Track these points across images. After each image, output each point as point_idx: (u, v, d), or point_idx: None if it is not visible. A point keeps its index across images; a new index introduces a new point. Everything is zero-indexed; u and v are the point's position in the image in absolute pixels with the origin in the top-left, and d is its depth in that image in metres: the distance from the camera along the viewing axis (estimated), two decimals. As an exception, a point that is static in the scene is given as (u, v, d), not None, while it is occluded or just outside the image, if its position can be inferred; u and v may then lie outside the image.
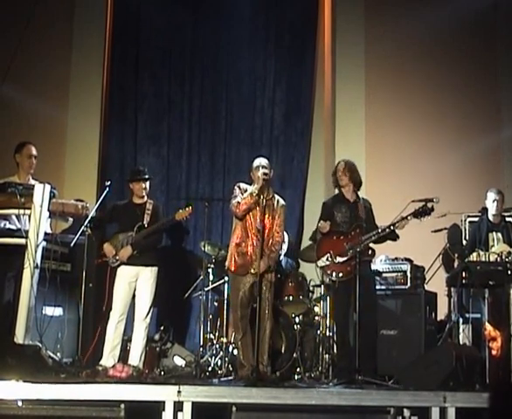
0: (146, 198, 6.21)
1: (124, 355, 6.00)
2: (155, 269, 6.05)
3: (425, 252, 6.67)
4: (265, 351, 5.38)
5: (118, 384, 4.54)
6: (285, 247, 6.90)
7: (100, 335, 5.90)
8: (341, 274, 5.60)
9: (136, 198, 6.19)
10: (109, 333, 5.87)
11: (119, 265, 5.99)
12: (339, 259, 5.59)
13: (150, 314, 6.04)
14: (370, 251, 5.67)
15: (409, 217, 5.56)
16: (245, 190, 5.52)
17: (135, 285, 6.00)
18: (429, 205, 5.53)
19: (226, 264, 5.66)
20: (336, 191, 6.03)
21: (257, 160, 5.63)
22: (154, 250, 6.14)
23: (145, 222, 6.04)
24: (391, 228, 5.59)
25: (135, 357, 5.92)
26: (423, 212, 5.53)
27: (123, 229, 6.08)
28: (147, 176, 6.18)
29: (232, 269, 5.57)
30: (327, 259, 5.61)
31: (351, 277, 5.50)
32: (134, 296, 6.02)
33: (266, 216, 5.49)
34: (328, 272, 5.66)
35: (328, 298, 6.32)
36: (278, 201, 5.65)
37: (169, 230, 6.44)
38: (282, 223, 5.65)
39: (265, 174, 5.42)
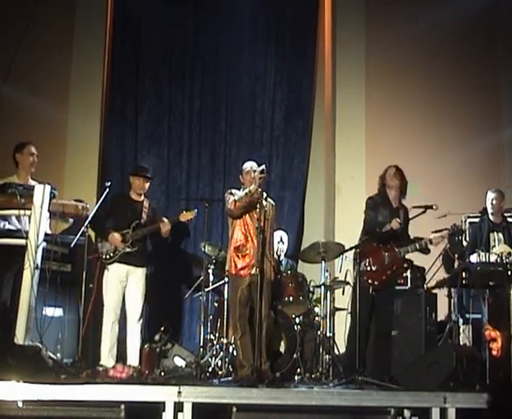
0: (143, 197, 6.21)
1: (121, 356, 5.99)
2: (145, 270, 6.08)
3: (425, 252, 6.66)
4: (262, 350, 5.35)
5: (118, 385, 4.55)
6: (285, 247, 6.90)
7: (87, 332, 5.84)
8: (376, 282, 5.59)
9: (134, 194, 6.17)
10: (106, 333, 5.87)
11: (112, 262, 5.97)
12: (374, 268, 5.58)
13: (144, 314, 6.04)
14: (405, 264, 5.66)
15: (444, 234, 5.62)
16: None
17: (126, 284, 5.99)
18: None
19: (226, 267, 5.68)
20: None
21: (248, 163, 5.69)
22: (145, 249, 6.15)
23: (142, 221, 6.03)
24: (428, 244, 5.62)
25: (134, 358, 5.92)
26: (457, 232, 5.62)
27: (118, 225, 6.02)
28: (148, 175, 6.19)
29: (233, 272, 5.58)
30: (365, 265, 5.57)
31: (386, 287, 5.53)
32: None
33: (262, 217, 5.48)
34: (365, 278, 5.57)
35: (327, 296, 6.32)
36: (267, 199, 5.62)
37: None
38: (274, 225, 5.71)
39: (261, 172, 5.43)
